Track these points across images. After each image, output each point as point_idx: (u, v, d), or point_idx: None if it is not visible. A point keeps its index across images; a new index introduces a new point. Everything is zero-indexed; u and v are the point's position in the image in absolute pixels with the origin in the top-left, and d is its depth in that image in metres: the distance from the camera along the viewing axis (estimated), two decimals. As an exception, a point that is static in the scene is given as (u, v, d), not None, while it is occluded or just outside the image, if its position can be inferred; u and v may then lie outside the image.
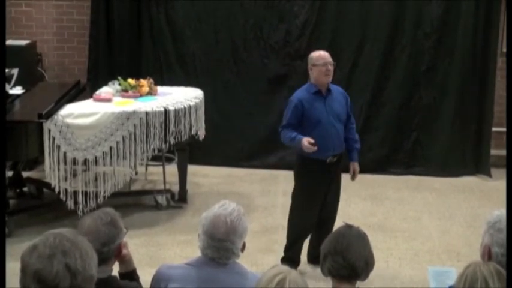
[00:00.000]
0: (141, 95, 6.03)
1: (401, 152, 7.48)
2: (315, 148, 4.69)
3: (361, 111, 7.27)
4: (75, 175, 5.74)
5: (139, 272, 3.01)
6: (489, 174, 7.37)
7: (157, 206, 6.30)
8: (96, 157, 5.56)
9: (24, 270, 1.97)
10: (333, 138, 4.88)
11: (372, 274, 2.80)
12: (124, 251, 2.87)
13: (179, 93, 6.24)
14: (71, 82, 6.75)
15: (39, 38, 7.52)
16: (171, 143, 5.88)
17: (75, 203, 5.67)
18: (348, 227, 2.80)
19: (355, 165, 5.14)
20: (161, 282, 2.89)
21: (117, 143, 5.61)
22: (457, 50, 7.26)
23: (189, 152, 6.48)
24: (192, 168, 6.66)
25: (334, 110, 4.95)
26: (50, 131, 5.45)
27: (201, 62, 7.41)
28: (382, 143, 7.45)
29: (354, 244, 2.69)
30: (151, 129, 5.72)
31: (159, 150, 6.05)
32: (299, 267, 5.01)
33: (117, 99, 5.96)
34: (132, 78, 6.19)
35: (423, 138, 7.46)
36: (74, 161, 5.57)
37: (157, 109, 5.76)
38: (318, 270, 2.87)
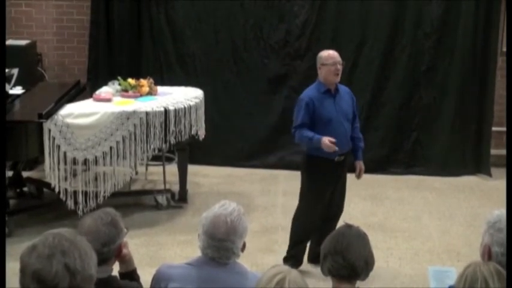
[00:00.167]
0: (141, 95, 6.03)
1: (401, 151, 7.48)
2: (336, 148, 4.70)
3: (361, 111, 7.22)
4: (75, 175, 5.74)
5: (139, 272, 3.01)
6: (489, 174, 7.37)
7: (157, 206, 6.29)
8: (96, 157, 5.56)
9: (23, 270, 1.97)
10: (341, 137, 4.87)
11: (372, 274, 2.80)
12: (124, 251, 2.87)
13: (179, 93, 6.24)
14: (71, 82, 6.76)
15: (39, 38, 7.52)
16: (171, 142, 5.88)
17: (75, 203, 5.67)
18: (348, 226, 2.80)
19: (361, 164, 5.14)
20: (161, 281, 2.88)
21: (117, 142, 5.61)
22: (457, 50, 7.26)
23: (189, 152, 6.48)
24: (192, 168, 6.66)
25: (343, 109, 4.96)
26: (50, 131, 5.45)
27: (201, 62, 7.41)
28: (382, 143, 7.45)
29: (354, 244, 2.69)
30: (152, 129, 5.72)
31: (159, 150, 6.05)
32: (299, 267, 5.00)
33: (117, 99, 5.96)
34: (132, 78, 6.19)
35: (423, 138, 7.46)
36: (74, 161, 5.57)
37: (157, 109, 5.76)
38: (318, 269, 2.87)
